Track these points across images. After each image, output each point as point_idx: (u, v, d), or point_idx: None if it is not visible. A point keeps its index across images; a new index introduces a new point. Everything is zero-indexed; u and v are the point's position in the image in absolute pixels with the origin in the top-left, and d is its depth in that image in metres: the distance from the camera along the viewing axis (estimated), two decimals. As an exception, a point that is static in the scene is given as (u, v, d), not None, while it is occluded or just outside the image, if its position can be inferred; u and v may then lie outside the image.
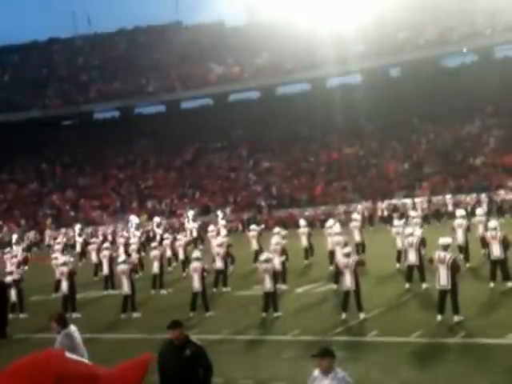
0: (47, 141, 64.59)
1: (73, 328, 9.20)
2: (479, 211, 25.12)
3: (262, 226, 33.38)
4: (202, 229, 37.00)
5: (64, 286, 19.73)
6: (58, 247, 30.71)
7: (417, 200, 41.26)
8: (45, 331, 16.74)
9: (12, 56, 74.61)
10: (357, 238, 24.99)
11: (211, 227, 30.42)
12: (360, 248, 24.71)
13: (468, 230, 21.72)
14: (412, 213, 29.48)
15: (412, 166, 49.60)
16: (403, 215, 36.27)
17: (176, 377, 7.96)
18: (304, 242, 25.87)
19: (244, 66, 61.95)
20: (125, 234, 35.64)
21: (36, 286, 24.01)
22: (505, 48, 56.94)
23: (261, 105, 62.22)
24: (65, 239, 37.45)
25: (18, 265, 25.14)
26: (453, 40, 53.02)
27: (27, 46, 76.66)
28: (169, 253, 27.00)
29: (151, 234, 39.34)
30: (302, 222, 28.14)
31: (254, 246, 25.93)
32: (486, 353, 11.76)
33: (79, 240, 36.36)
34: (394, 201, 43.35)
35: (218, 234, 27.44)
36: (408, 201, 42.26)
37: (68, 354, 1.12)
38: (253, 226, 28.64)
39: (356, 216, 28.15)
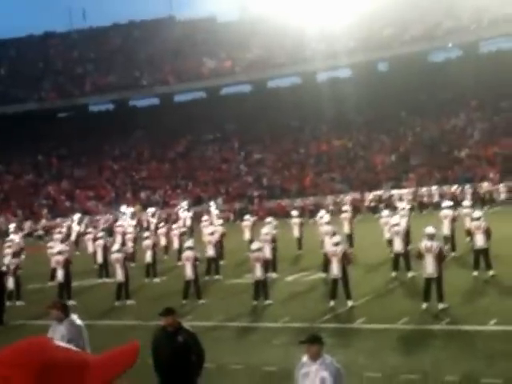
0: (43, 133, 64.26)
1: (74, 316, 9.15)
2: (466, 203, 25.20)
3: (256, 216, 33.44)
4: (195, 219, 36.92)
5: (59, 274, 19.63)
6: (57, 236, 30.57)
7: (403, 191, 41.37)
8: (41, 318, 16.69)
9: (9, 50, 74.09)
10: (346, 229, 24.93)
11: (204, 217, 30.40)
12: (348, 240, 24.61)
13: (454, 220, 21.75)
14: (399, 204, 29.48)
15: (399, 158, 49.67)
16: (390, 206, 36.41)
17: (169, 362, 7.94)
18: (296, 232, 25.86)
19: (236, 61, 61.77)
20: (121, 223, 35.50)
21: (32, 274, 23.91)
22: (489, 43, 57.03)
23: (252, 98, 62.11)
24: (64, 229, 37.17)
25: (15, 254, 25.00)
26: (438, 35, 53.03)
27: (24, 40, 76.16)
28: (164, 242, 26.98)
29: (145, 224, 39.19)
30: (294, 212, 28.12)
31: (247, 235, 25.91)
32: (470, 339, 11.81)
33: (76, 229, 36.18)
34: (381, 192, 43.39)
35: (211, 224, 27.39)
36: (395, 192, 42.34)
37: (54, 341, 1.08)
38: (246, 216, 28.60)
39: (346, 207, 28.08)
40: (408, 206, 29.70)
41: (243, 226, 27.01)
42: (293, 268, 21.50)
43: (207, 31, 66.05)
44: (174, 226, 28.49)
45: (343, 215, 25.91)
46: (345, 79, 59.65)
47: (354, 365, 10.19)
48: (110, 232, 34.06)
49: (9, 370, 0.99)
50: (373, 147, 52.09)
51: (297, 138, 56.23)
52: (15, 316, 17.88)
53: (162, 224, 30.85)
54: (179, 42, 65.81)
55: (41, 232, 45.60)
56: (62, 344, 1.08)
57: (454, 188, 39.32)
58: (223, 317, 15.32)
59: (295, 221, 26.30)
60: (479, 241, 17.35)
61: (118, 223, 34.63)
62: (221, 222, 28.66)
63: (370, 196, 42.41)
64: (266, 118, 57.67)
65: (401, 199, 36.39)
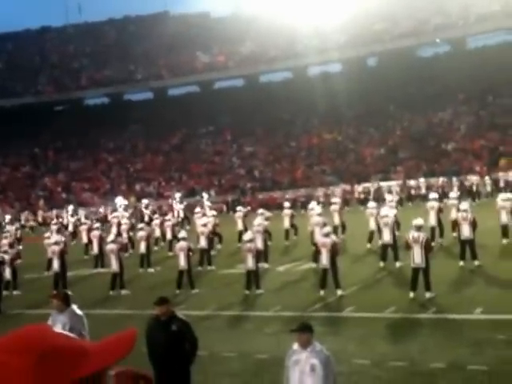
0: (40, 126, 63.94)
1: (74, 306, 9.13)
2: (452, 194, 25.32)
3: (248, 207, 33.39)
4: (188, 210, 36.85)
5: (55, 264, 19.58)
6: (54, 227, 30.51)
7: (392, 183, 41.44)
8: (37, 307, 16.66)
9: (6, 44, 73.66)
10: (336, 220, 24.96)
11: (197, 209, 30.31)
12: (339, 230, 24.71)
13: (440, 211, 21.80)
14: (388, 196, 29.53)
15: (387, 151, 49.73)
16: (379, 198, 36.47)
17: (163, 351, 7.92)
18: (286, 223, 25.86)
19: (229, 55, 61.61)
20: (116, 214, 35.39)
21: (29, 264, 23.82)
22: (476, 39, 57.09)
23: (245, 92, 61.97)
24: (61, 219, 37.04)
25: (12, 244, 24.90)
26: (427, 31, 53.02)
27: (21, 34, 75.74)
28: (158, 233, 26.94)
29: (139, 215, 39.08)
30: (287, 203, 28.17)
31: (240, 226, 25.88)
32: (456, 327, 11.84)
33: (71, 220, 36.07)
34: (369, 184, 43.43)
35: (204, 215, 27.34)
36: (384, 184, 42.39)
37: (52, 329, 1.07)
38: (239, 208, 28.55)
39: (336, 199, 28.09)
40: (396, 198, 29.81)
41: (236, 217, 26.99)
42: (284, 258, 21.50)
43: (201, 26, 65.82)
44: (167, 217, 28.41)
45: (333, 207, 25.93)
46: (335, 74, 59.56)
47: (343, 352, 10.20)
48: (103, 223, 33.99)
49: (8, 356, 0.98)
50: (362, 140, 52.12)
51: (288, 132, 56.18)
52: (12, 305, 17.82)
53: (156, 215, 30.80)
54: (173, 37, 65.55)
55: (33, 223, 45.39)
56: (61, 331, 1.08)
57: (441, 180, 39.40)
58: (216, 306, 15.30)
59: (286, 212, 26.32)
60: (465, 232, 17.39)
61: (114, 214, 34.55)
62: (213, 212, 28.60)
63: (359, 188, 42.43)
64: (258, 112, 57.58)
65: (390, 191, 36.40)
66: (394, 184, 41.15)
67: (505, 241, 20.05)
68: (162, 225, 27.11)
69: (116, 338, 1.05)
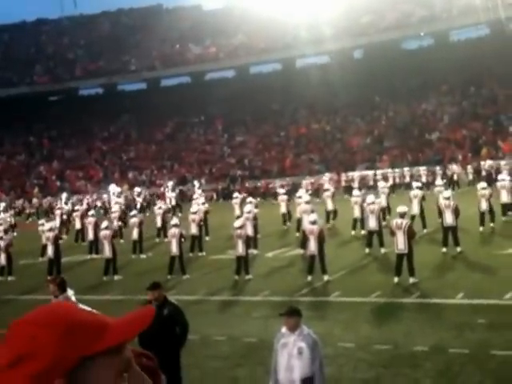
0: (35, 115, 63.45)
1: (70, 292, 9.04)
2: (439, 181, 25.49)
3: (245, 194, 33.61)
4: (180, 197, 36.78)
5: (50, 250, 19.43)
6: (58, 212, 30.36)
7: (378, 172, 41.42)
8: (31, 293, 16.55)
9: (2, 35, 73.05)
10: (329, 206, 25.08)
11: (196, 195, 30.46)
12: (332, 215, 24.86)
13: (423, 199, 21.82)
14: (380, 183, 29.60)
15: (373, 141, 49.74)
16: (364, 186, 36.52)
17: (155, 334, 7.83)
18: (283, 208, 25.86)
19: (220, 47, 61.31)
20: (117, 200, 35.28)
21: (23, 250, 23.64)
22: (459, 32, 57.09)
23: (235, 83, 61.71)
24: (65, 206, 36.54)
25: (6, 231, 24.70)
26: (411, 24, 52.92)
27: (16, 26, 75.18)
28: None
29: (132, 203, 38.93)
30: (281, 190, 28.29)
31: (237, 212, 25.87)
32: (439, 311, 11.84)
33: (65, 208, 35.82)
34: (356, 172, 43.44)
35: (204, 203, 27.28)
36: (369, 172, 42.39)
37: (76, 305, 1.11)
38: (235, 194, 28.76)
39: (328, 186, 28.19)
40: (388, 185, 30.02)
41: (233, 203, 27.10)
42: (272, 244, 21.45)
43: (193, 19, 65.40)
44: (158, 204, 28.26)
45: (326, 193, 26.04)
46: (323, 66, 59.37)
47: (330, 336, 10.18)
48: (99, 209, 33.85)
49: (35, 328, 1.01)
50: (349, 130, 52.09)
51: (277, 122, 56.06)
52: (7, 291, 17.67)
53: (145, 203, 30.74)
54: (166, 29, 65.09)
55: (32, 210, 45.08)
56: (83, 307, 1.11)
57: (424, 169, 39.41)
58: (206, 291, 15.25)
59: (282, 198, 26.43)
60: (448, 219, 17.39)
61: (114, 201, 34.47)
62: (203, 200, 28.50)
63: (344, 177, 42.32)
64: (248, 103, 57.38)
65: (384, 179, 36.06)
66: (380, 172, 41.05)
67: (481, 228, 20.09)
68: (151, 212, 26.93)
69: (135, 314, 1.09)
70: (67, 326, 1.01)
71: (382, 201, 23.67)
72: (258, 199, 37.53)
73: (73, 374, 1.00)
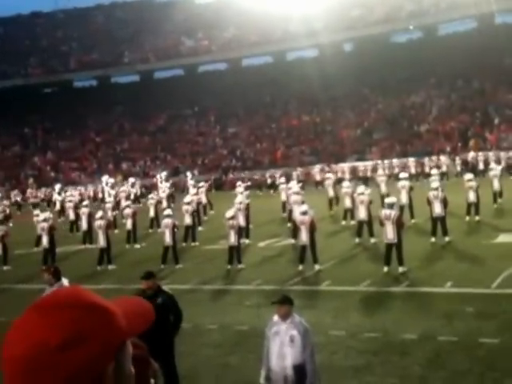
0: (30, 107, 63.07)
1: (65, 281, 8.97)
2: (434, 171, 25.98)
3: (248, 183, 34.02)
4: (173, 188, 36.66)
5: (44, 240, 19.33)
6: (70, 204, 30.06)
7: (367, 163, 41.45)
8: (26, 282, 16.47)
9: (-3, 28, 72.42)
10: (331, 193, 25.47)
11: (201, 183, 30.72)
12: (334, 201, 25.15)
13: (411, 190, 21.86)
14: (379, 171, 30.01)
15: (363, 133, 49.73)
16: (355, 177, 36.52)
17: (148, 323, 7.81)
18: (283, 196, 25.95)
19: (212, 40, 61.08)
20: (110, 191, 35.13)
21: (19, 240, 23.49)
22: (447, 26, 57.10)
23: (228, 75, 61.53)
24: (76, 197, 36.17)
25: (2, 221, 24.54)
26: (400, 18, 52.87)
27: (12, 19, 74.75)
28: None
29: (126, 194, 38.73)
30: (282, 179, 28.56)
31: (240, 200, 25.91)
32: (427, 300, 11.86)
33: (59, 198, 35.57)
34: (346, 164, 43.42)
35: (210, 189, 27.30)
36: (360, 163, 42.36)
37: (84, 289, 1.05)
38: (239, 183, 29.34)
39: (329, 175, 28.86)
40: (385, 173, 30.41)
41: (237, 191, 27.21)
42: (264, 234, 21.42)
43: (186, 12, 65.05)
44: (151, 195, 28.17)
45: (327, 181, 26.71)
46: (313, 59, 59.29)
47: (321, 324, 10.17)
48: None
49: (79, 312, 0.96)
50: (339, 122, 52.05)
51: (269, 114, 55.97)
52: (2, 280, 17.58)
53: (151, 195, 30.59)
54: (159, 23, 64.72)
55: (34, 200, 44.78)
56: (91, 292, 1.06)
57: (412, 160, 39.40)
58: (199, 280, 15.22)
59: (282, 187, 26.83)
60: (437, 209, 17.41)
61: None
62: (194, 191, 28.44)
63: (337, 167, 42.35)
64: (240, 95, 57.23)
65: (384, 169, 36.01)
66: (370, 164, 41.07)
67: (467, 218, 20.20)
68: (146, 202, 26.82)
69: (139, 307, 1.06)
70: (107, 309, 0.99)
71: (382, 189, 24.24)
72: (261, 191, 37.81)
73: (118, 358, 0.98)
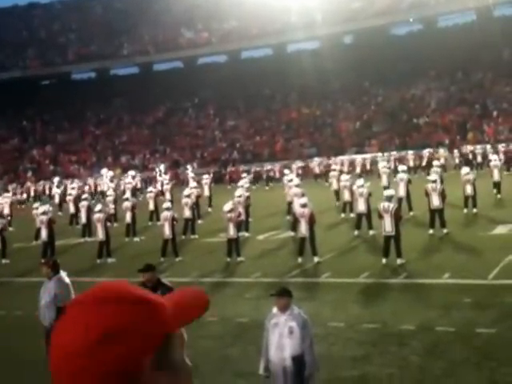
0: (28, 99, 62.94)
1: (63, 273, 9.05)
2: (436, 163, 26.26)
3: (251, 175, 34.30)
4: (174, 181, 36.66)
5: (44, 233, 19.34)
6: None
7: (367, 156, 41.52)
8: (25, 275, 16.54)
9: (-6, 20, 72.06)
10: (335, 186, 25.74)
11: (205, 175, 30.92)
12: (336, 195, 25.26)
13: (409, 182, 21.97)
14: (381, 163, 30.13)
15: (362, 125, 49.75)
16: (354, 170, 36.55)
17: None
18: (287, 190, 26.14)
19: (212, 32, 60.90)
20: (109, 184, 35.13)
21: (18, 234, 23.56)
22: (446, 18, 57.03)
23: (227, 68, 61.41)
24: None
25: (1, 214, 24.56)
26: (401, 10, 52.77)
27: (9, 10, 74.32)
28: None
29: (126, 187, 38.78)
30: (287, 171, 28.93)
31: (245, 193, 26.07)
32: (425, 291, 11.96)
33: (57, 191, 35.57)
34: (345, 157, 43.47)
35: (196, 186, 27.30)
36: (358, 156, 42.43)
37: (128, 284, 1.06)
38: (244, 175, 30.16)
39: (335, 167, 29.69)
40: (389, 165, 30.69)
41: (240, 184, 27.34)
42: (263, 227, 21.49)
43: (185, 4, 64.81)
44: (150, 188, 28.19)
45: (332, 173, 27.26)
46: (313, 51, 59.19)
47: (320, 315, 10.26)
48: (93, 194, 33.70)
49: (120, 306, 0.98)
50: (338, 115, 52.06)
51: (268, 106, 55.93)
52: (1, 273, 17.61)
53: (150, 188, 30.64)
54: (158, 14, 64.53)
55: (20, 196, 44.76)
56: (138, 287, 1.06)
57: (411, 153, 39.42)
58: (199, 273, 15.29)
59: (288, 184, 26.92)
60: (435, 201, 17.51)
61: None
62: (194, 184, 28.48)
63: (337, 160, 42.37)
64: (240, 87, 57.16)
65: (388, 161, 36.03)
66: (369, 156, 41.18)
67: (465, 210, 20.35)
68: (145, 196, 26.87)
69: (190, 297, 1.05)
70: (149, 303, 1.00)
71: (384, 181, 24.46)
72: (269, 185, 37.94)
73: (159, 351, 0.98)
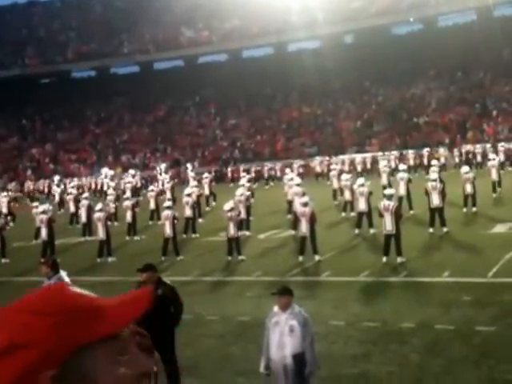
0: (27, 97, 62.91)
1: (63, 273, 9.07)
2: (434, 162, 26.31)
3: (252, 174, 34.35)
4: (174, 180, 36.69)
5: (43, 232, 19.32)
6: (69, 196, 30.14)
7: (367, 155, 41.52)
8: (25, 275, 16.54)
9: (-7, 18, 72.02)
10: (335, 184, 25.90)
11: (205, 174, 30.82)
12: (339, 192, 25.27)
13: (409, 181, 22.04)
14: (382, 162, 30.15)
15: (363, 125, 49.76)
16: (354, 169, 36.58)
17: (149, 314, 7.91)
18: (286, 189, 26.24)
19: (213, 31, 60.88)
20: (110, 183, 35.15)
21: (17, 233, 23.55)
22: (447, 18, 57.01)
23: (228, 67, 61.36)
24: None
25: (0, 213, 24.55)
26: (401, 10, 52.78)
27: (8, 8, 74.18)
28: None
29: (126, 186, 38.81)
30: (288, 170, 29.03)
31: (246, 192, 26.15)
32: (425, 289, 12.01)
33: (57, 190, 35.57)
34: (346, 156, 43.51)
35: (197, 186, 27.41)
36: (358, 156, 42.44)
37: (72, 288, 1.03)
38: (243, 174, 30.43)
39: (335, 166, 29.96)
40: (390, 164, 30.79)
41: (241, 183, 27.42)
42: (264, 226, 21.53)
43: (186, 2, 64.76)
44: (151, 187, 28.23)
45: (332, 172, 27.57)
46: (314, 50, 59.18)
47: (321, 314, 10.31)
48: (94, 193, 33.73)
49: (27, 316, 0.95)
50: (339, 114, 52.08)
51: (269, 105, 55.94)
52: (0, 273, 17.61)
53: (151, 187, 30.67)
54: (159, 13, 64.50)
55: (19, 194, 44.81)
56: (78, 289, 1.02)
57: (412, 152, 39.44)
58: (200, 272, 15.34)
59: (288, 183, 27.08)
60: (435, 200, 17.57)
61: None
62: (195, 183, 28.54)
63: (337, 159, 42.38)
64: (240, 86, 57.15)
65: (389, 160, 36.05)
66: (369, 155, 41.19)
67: (465, 209, 20.42)
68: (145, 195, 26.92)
69: (131, 297, 1.02)
70: (61, 312, 0.94)
71: (384, 180, 24.54)
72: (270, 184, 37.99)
73: (67, 363, 0.93)
